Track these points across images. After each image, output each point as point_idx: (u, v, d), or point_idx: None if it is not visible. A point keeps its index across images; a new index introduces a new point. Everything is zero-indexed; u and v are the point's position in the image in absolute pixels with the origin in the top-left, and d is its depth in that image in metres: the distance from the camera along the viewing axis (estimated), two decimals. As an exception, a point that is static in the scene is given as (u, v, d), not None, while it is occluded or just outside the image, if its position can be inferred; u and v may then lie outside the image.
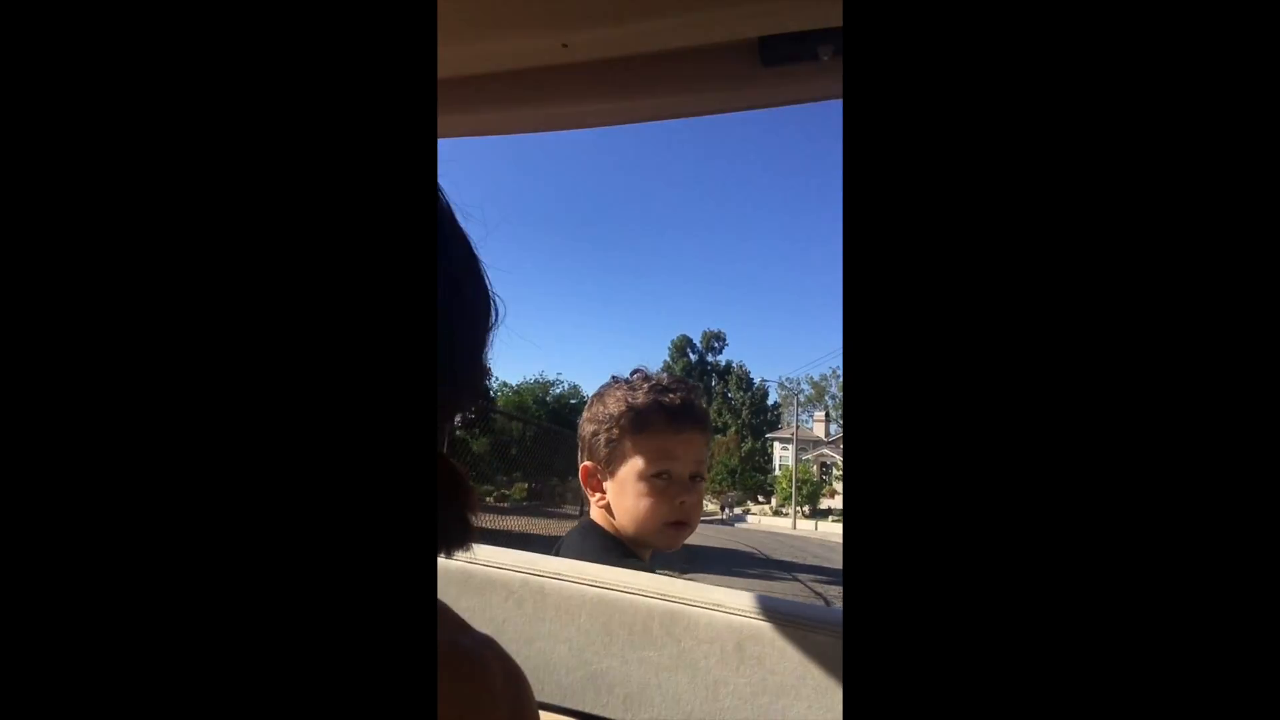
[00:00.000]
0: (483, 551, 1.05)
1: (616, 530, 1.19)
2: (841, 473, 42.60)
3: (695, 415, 1.20)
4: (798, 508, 38.93)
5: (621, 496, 1.18)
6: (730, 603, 0.89)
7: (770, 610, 0.87)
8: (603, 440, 1.19)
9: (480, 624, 0.96)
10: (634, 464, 1.17)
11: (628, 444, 1.18)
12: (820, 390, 62.40)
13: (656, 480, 1.16)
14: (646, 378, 1.25)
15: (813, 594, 12.30)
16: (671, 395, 1.20)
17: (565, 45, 0.84)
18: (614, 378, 1.28)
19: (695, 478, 1.19)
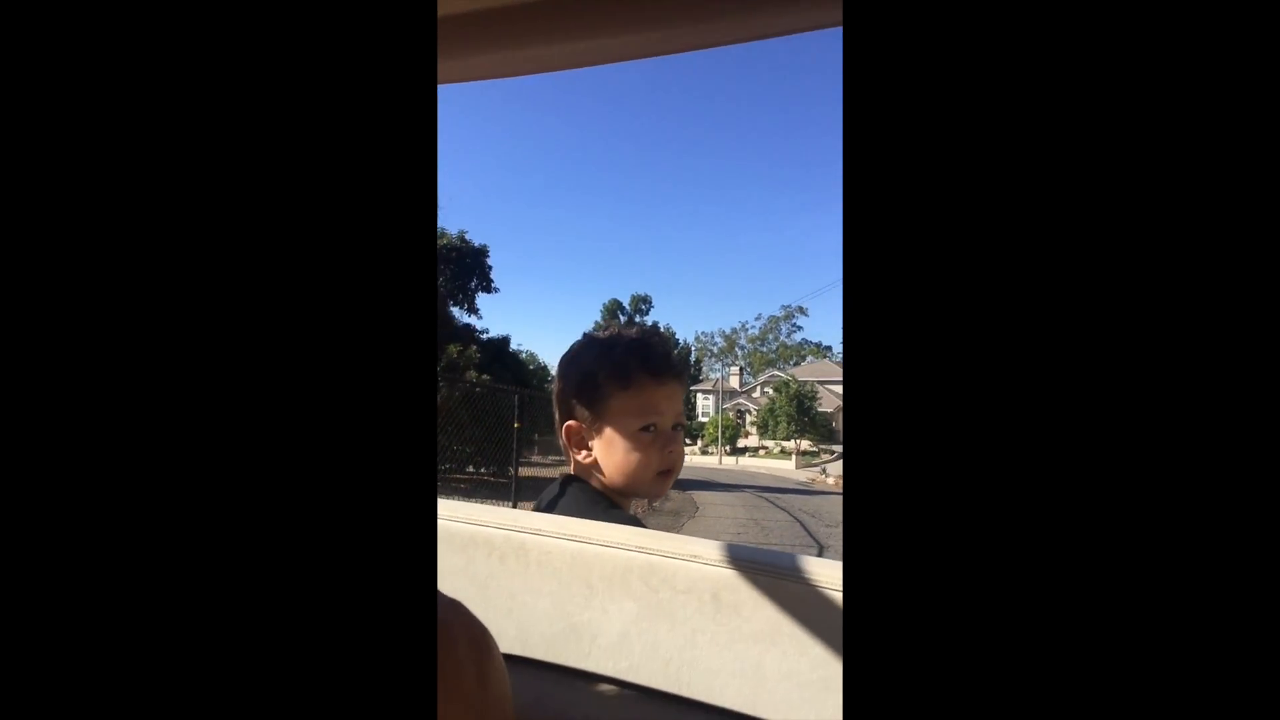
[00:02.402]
0: (464, 509, 0.97)
1: (602, 485, 1.12)
2: (753, 418, 43.91)
3: (675, 367, 1.13)
4: (722, 447, 39.74)
5: (610, 452, 1.10)
6: (706, 554, 0.83)
7: (745, 560, 0.82)
8: (586, 399, 1.11)
9: (464, 581, 0.89)
10: (621, 419, 1.09)
11: (613, 401, 1.09)
12: (731, 343, 64.01)
13: (644, 434, 1.09)
14: (619, 333, 1.17)
15: (758, 496, 18.40)
16: (651, 349, 1.13)
17: None
18: (586, 335, 1.20)
19: (677, 427, 1.13)
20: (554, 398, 1.18)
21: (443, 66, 0.84)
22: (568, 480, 1.15)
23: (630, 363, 1.10)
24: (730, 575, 0.82)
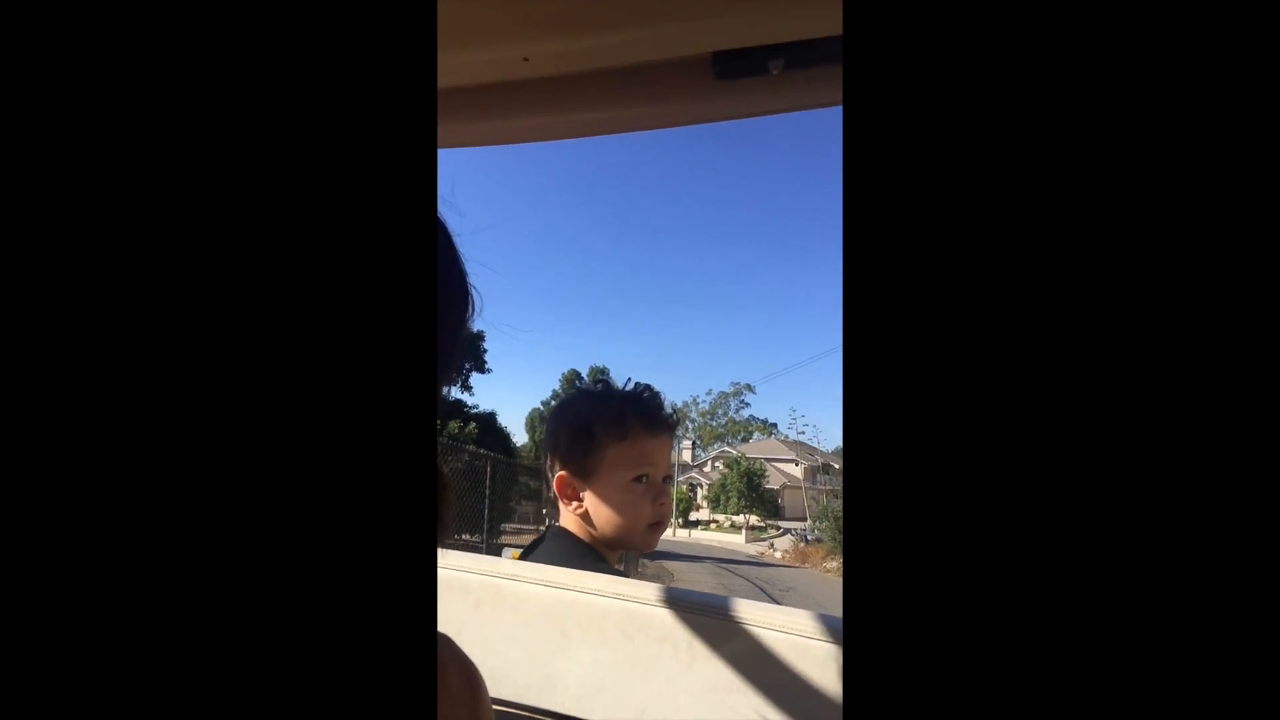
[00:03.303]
0: (442, 556, 0.94)
1: (591, 536, 1.07)
2: (704, 492, 43.56)
3: (668, 419, 1.11)
4: (676, 520, 39.22)
5: (602, 504, 1.06)
6: (683, 602, 0.81)
7: (720, 610, 0.81)
8: (580, 450, 1.07)
9: (440, 626, 0.86)
10: (615, 471, 1.05)
11: (608, 452, 1.06)
12: (682, 415, 63.73)
13: (636, 485, 1.05)
14: (610, 385, 1.14)
15: (718, 566, 19.52)
16: (645, 401, 1.10)
17: (526, 59, 0.77)
18: (578, 387, 1.17)
19: (667, 479, 1.10)
20: (545, 448, 1.14)
21: (529, 125, 0.86)
22: (555, 532, 1.10)
23: (626, 413, 1.07)
24: (705, 623, 0.80)
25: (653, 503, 1.06)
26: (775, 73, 0.75)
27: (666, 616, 0.81)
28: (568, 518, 1.09)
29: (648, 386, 1.14)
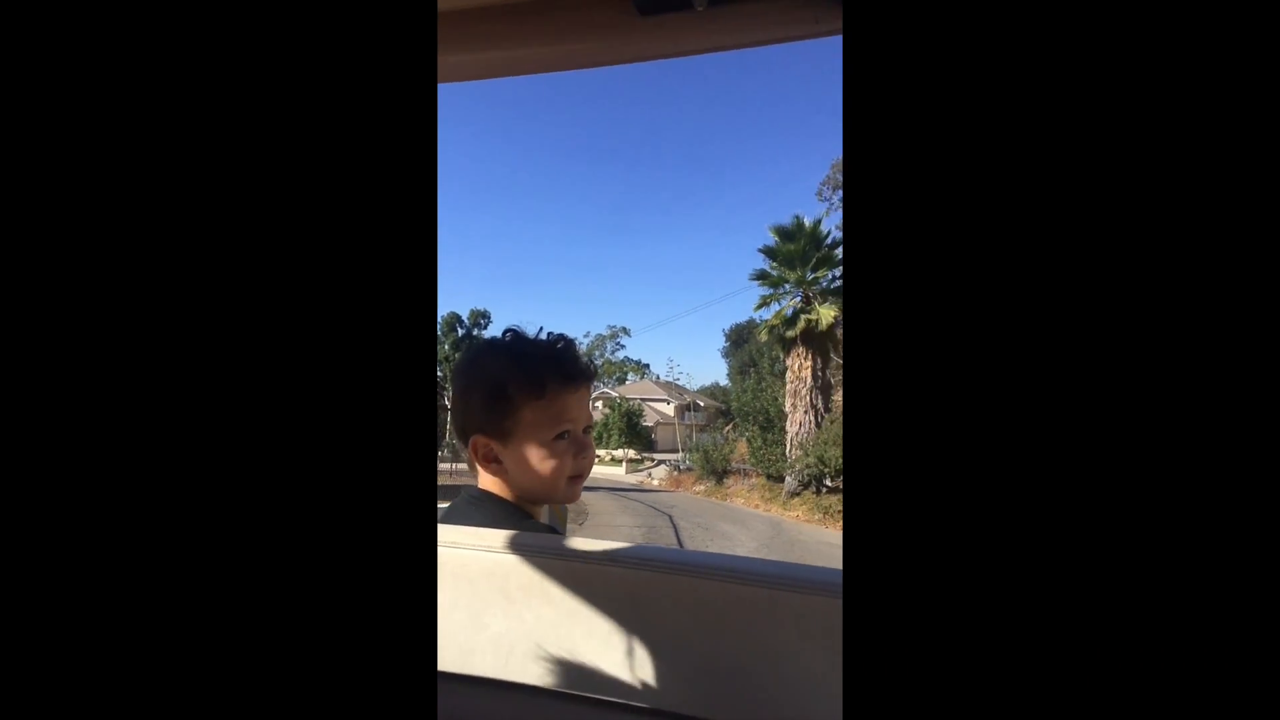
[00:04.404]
0: None
1: (515, 496, 0.99)
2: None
3: (587, 370, 1.01)
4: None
5: (523, 463, 0.97)
6: (623, 556, 0.78)
7: (660, 561, 0.78)
8: (497, 413, 0.97)
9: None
10: (535, 431, 0.96)
11: (526, 411, 0.96)
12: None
13: (558, 442, 0.97)
14: (520, 337, 1.02)
15: (612, 494, 21.09)
16: (562, 355, 0.99)
17: None
18: (487, 342, 1.05)
19: (587, 429, 1.01)
20: (454, 410, 1.02)
21: (441, 64, 0.75)
22: (476, 495, 1.01)
23: (544, 372, 0.97)
24: (645, 576, 0.77)
25: (575, 457, 0.98)
26: (700, 9, 0.69)
27: (607, 571, 0.78)
28: (486, 479, 1.00)
29: (561, 336, 1.03)
